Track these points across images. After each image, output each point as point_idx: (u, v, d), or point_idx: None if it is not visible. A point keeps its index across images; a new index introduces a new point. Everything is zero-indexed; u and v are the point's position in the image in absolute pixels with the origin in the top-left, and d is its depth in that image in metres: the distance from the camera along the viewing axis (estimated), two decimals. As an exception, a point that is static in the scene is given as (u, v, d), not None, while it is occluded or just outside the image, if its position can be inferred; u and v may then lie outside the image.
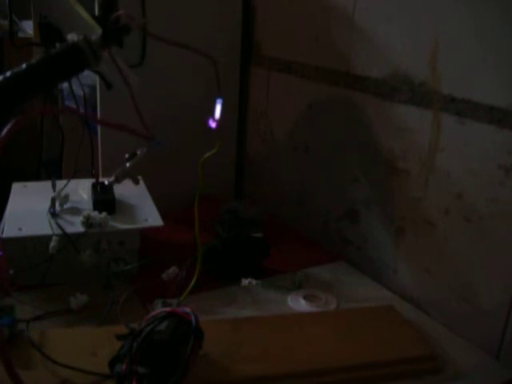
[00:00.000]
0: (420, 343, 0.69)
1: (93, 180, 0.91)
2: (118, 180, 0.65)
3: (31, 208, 0.83)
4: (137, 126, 0.64)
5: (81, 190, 0.91)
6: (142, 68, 0.83)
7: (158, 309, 0.59)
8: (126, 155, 0.64)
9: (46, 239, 0.74)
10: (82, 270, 0.76)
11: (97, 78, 0.99)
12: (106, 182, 0.65)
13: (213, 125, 0.64)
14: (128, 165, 0.64)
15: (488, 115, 0.70)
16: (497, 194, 0.71)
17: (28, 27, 1.52)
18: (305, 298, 0.79)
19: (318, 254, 0.97)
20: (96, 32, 0.54)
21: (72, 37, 0.53)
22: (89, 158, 1.07)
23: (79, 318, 0.71)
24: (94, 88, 1.05)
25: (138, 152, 0.64)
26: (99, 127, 1.05)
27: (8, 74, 0.51)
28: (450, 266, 0.79)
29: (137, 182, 0.68)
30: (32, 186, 0.94)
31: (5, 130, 0.49)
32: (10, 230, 0.76)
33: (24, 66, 0.52)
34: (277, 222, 1.11)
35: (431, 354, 0.67)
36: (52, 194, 0.83)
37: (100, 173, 1.03)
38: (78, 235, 0.76)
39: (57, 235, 0.75)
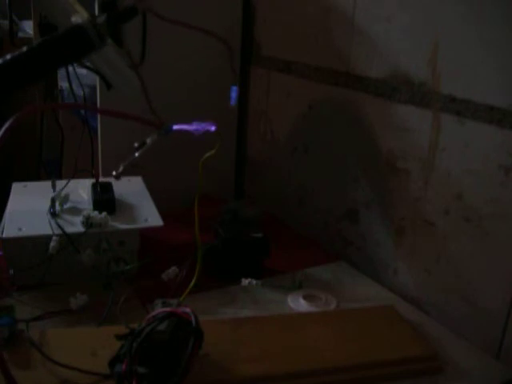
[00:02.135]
0: (420, 343, 0.69)
1: (93, 180, 0.91)
2: (126, 170, 0.64)
3: (31, 208, 0.83)
4: (137, 125, 0.64)
5: (81, 190, 0.91)
6: (142, 67, 0.83)
7: (158, 309, 0.59)
8: (136, 144, 0.63)
9: (45, 239, 0.74)
10: (82, 269, 0.76)
11: (97, 78, 0.99)
12: (114, 173, 0.64)
13: (212, 128, 0.64)
14: (137, 154, 0.63)
15: (488, 115, 0.70)
16: (497, 194, 0.71)
17: (28, 27, 1.52)
18: (305, 298, 0.79)
19: (318, 254, 0.97)
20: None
21: (77, 19, 0.53)
22: (89, 158, 1.07)
23: (79, 318, 0.71)
24: (93, 88, 1.05)
25: (148, 140, 0.64)
26: (99, 127, 1.06)
27: (8, 56, 0.50)
28: (450, 265, 0.79)
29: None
30: (32, 185, 0.94)
31: (3, 129, 0.49)
32: (10, 229, 0.76)
33: (25, 48, 0.51)
34: (277, 222, 1.11)
35: (431, 354, 0.67)
36: (52, 194, 0.83)
37: (100, 173, 1.03)
38: (78, 235, 0.76)
39: (57, 235, 0.75)
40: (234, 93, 0.66)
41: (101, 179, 0.91)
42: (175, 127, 0.63)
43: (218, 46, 0.67)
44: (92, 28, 0.52)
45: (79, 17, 0.53)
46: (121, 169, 0.63)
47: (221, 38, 0.62)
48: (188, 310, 0.57)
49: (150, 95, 0.64)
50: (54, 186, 0.87)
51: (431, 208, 0.81)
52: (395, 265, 0.88)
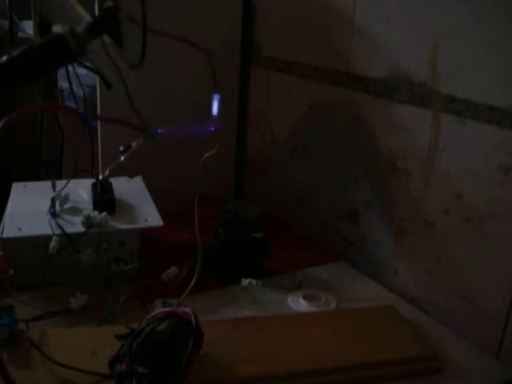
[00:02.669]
0: (420, 343, 0.69)
1: (93, 180, 0.91)
2: (112, 174, 0.64)
3: (31, 208, 0.83)
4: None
5: (81, 190, 0.91)
6: (142, 68, 0.83)
7: (158, 309, 0.59)
8: (121, 148, 0.64)
9: (45, 239, 0.74)
10: (82, 269, 0.76)
11: (97, 78, 0.99)
12: (101, 177, 0.65)
13: (212, 128, 0.64)
14: (122, 158, 0.64)
15: (488, 115, 0.70)
16: (497, 194, 0.71)
17: (28, 27, 1.52)
18: (305, 298, 0.79)
19: (318, 254, 0.97)
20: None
21: (57, 28, 0.53)
22: (89, 158, 1.07)
23: (79, 318, 0.71)
24: (93, 88, 1.05)
25: (133, 144, 0.64)
26: (99, 127, 1.06)
27: None
28: (450, 265, 0.79)
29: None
30: (32, 185, 0.94)
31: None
32: (10, 230, 0.76)
33: (4, 57, 0.52)
34: (277, 222, 1.11)
35: (431, 354, 0.67)
36: (52, 194, 0.83)
37: (100, 173, 1.03)
38: (78, 235, 0.76)
39: (57, 235, 0.75)
40: (216, 101, 0.66)
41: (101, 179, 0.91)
42: (160, 131, 0.63)
43: (218, 47, 0.67)
44: (72, 37, 0.52)
45: (60, 27, 0.54)
46: (107, 172, 0.64)
47: (202, 48, 0.62)
48: (188, 310, 0.57)
49: (150, 96, 0.64)
50: (53, 186, 0.87)
51: (431, 208, 0.81)
52: (395, 265, 0.88)
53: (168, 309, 0.58)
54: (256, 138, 1.22)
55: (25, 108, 0.53)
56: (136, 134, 0.65)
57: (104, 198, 0.84)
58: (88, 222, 0.77)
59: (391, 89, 0.84)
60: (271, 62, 1.12)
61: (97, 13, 0.91)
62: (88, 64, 0.81)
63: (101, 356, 0.59)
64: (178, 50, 1.05)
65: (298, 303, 0.79)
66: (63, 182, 0.89)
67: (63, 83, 1.21)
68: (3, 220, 0.80)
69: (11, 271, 0.78)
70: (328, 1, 0.95)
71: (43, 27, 0.81)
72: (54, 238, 0.74)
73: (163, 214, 0.84)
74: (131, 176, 0.97)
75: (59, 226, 0.77)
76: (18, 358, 0.59)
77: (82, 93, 1.07)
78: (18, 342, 0.62)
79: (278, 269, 0.88)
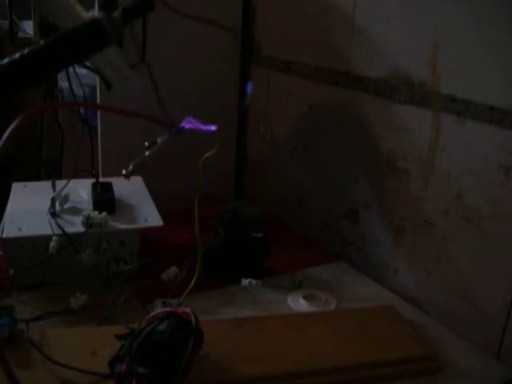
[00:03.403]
0: (420, 343, 0.69)
1: (93, 180, 0.91)
2: (136, 169, 0.63)
3: (31, 208, 0.83)
4: (137, 124, 0.64)
5: (81, 190, 0.91)
6: (142, 67, 0.83)
7: (158, 309, 0.59)
8: (146, 143, 0.63)
9: (45, 239, 0.74)
10: (82, 269, 0.76)
11: (97, 78, 0.99)
12: (124, 172, 0.64)
13: (212, 128, 0.64)
14: (147, 153, 0.63)
15: (488, 115, 0.70)
16: (497, 194, 0.71)
17: (28, 27, 1.52)
18: (305, 298, 0.79)
19: (318, 254, 0.97)
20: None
21: (92, 14, 0.53)
22: (89, 158, 1.07)
23: (79, 318, 0.71)
24: (93, 88, 1.05)
25: (159, 140, 0.63)
26: (99, 127, 1.05)
27: (25, 50, 0.50)
28: (450, 265, 0.79)
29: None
30: (32, 185, 0.94)
31: (7, 132, 0.49)
32: (10, 230, 0.76)
33: (42, 42, 0.51)
34: (277, 222, 1.11)
35: (431, 354, 0.67)
36: (52, 194, 0.83)
37: (100, 173, 1.03)
38: (78, 235, 0.76)
39: (57, 235, 0.75)
40: (249, 88, 0.67)
41: (101, 179, 0.91)
42: (187, 126, 0.63)
43: (221, 46, 0.67)
44: (108, 21, 0.52)
45: (95, 13, 0.53)
46: (130, 168, 0.63)
47: (229, 29, 0.62)
48: (188, 309, 0.57)
49: (145, 100, 0.63)
50: (53, 186, 0.87)
51: (431, 208, 0.81)
52: (395, 265, 0.88)
53: (168, 309, 0.58)
54: (256, 137, 1.22)
55: (47, 105, 0.53)
56: (138, 133, 0.65)
57: (104, 198, 0.84)
58: (88, 222, 0.77)
59: (391, 89, 0.84)
60: (271, 62, 1.12)
61: (97, 13, 0.91)
62: (88, 64, 0.81)
63: (101, 356, 0.59)
64: (177, 51, 1.05)
65: (298, 303, 0.79)
66: (63, 182, 0.89)
67: (63, 83, 1.21)
68: (3, 220, 0.80)
69: (11, 271, 0.78)
70: (328, 1, 0.95)
71: (43, 27, 0.81)
72: (54, 238, 0.74)
73: (163, 214, 0.84)
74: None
75: (59, 226, 0.77)
76: (18, 358, 0.59)
77: (82, 93, 1.07)
78: (18, 342, 0.62)
79: (278, 269, 0.88)
